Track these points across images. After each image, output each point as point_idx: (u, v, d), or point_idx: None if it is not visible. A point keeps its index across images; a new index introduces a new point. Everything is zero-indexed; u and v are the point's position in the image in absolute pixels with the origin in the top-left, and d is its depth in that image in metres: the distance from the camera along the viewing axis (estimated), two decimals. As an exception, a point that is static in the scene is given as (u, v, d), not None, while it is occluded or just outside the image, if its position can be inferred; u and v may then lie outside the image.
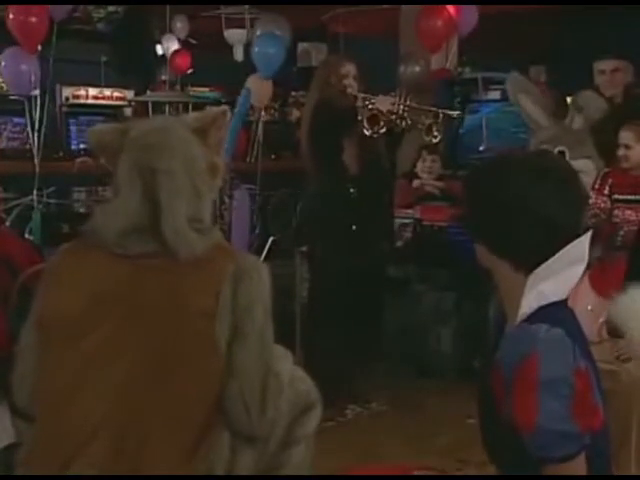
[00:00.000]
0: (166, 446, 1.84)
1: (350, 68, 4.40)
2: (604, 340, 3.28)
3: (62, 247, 2.02)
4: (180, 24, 8.01)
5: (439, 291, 4.96)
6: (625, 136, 4.06)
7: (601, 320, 3.47)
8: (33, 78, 5.41)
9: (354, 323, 4.27)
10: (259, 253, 5.47)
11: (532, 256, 1.70)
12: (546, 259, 1.69)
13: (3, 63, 5.56)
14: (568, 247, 1.69)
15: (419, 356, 4.91)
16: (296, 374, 2.19)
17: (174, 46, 8.01)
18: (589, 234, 1.74)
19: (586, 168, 4.13)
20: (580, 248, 1.72)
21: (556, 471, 1.62)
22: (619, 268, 3.81)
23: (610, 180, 4.13)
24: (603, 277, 3.95)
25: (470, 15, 5.89)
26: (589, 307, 3.92)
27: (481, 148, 5.83)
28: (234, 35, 7.69)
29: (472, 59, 6.24)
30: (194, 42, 8.00)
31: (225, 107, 2.13)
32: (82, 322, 1.88)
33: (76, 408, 1.85)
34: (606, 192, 4.10)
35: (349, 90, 4.33)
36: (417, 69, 5.96)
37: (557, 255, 1.69)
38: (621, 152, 4.08)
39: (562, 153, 3.98)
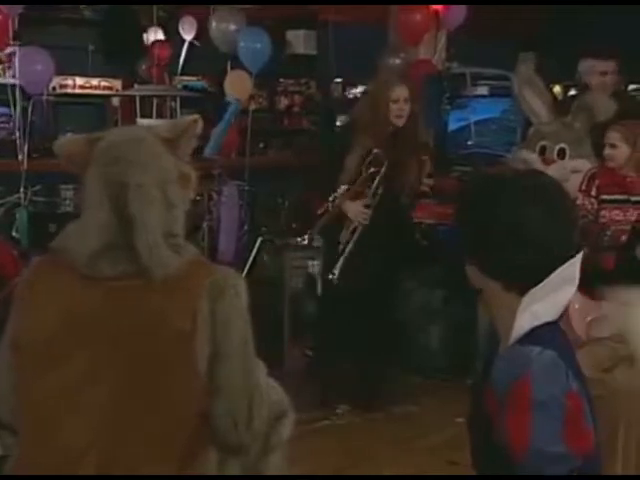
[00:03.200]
0: (152, 469, 1.84)
1: (401, 92, 4.40)
2: (592, 342, 3.30)
3: (34, 262, 1.98)
4: (188, 26, 7.91)
5: (429, 289, 4.97)
6: (611, 136, 4.07)
7: (588, 319, 3.50)
8: (48, 77, 5.41)
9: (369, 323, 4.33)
10: (248, 249, 5.46)
11: (524, 277, 1.70)
12: (538, 280, 1.69)
13: (17, 63, 5.52)
14: (561, 268, 1.69)
15: (408, 354, 4.92)
16: (269, 383, 2.21)
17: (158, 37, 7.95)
18: (580, 255, 1.75)
19: (583, 168, 4.13)
20: (572, 269, 1.72)
21: None
22: (607, 269, 3.83)
23: (597, 181, 4.14)
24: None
25: (458, 10, 5.89)
26: (576, 306, 3.95)
27: (469, 142, 5.82)
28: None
29: (460, 54, 6.22)
30: (197, 44, 7.93)
31: (196, 116, 2.08)
32: (57, 347, 1.85)
33: (60, 434, 1.84)
34: (593, 193, 4.11)
35: (397, 116, 4.36)
36: (398, 61, 5.98)
37: (551, 276, 1.69)
38: (607, 152, 4.09)
39: (563, 150, 3.97)
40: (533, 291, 1.69)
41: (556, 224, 1.70)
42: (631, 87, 5.50)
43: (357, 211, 4.30)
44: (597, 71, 4.75)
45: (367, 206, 4.30)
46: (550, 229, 1.69)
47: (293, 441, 2.22)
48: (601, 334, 3.28)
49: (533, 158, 3.93)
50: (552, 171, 3.79)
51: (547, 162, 3.91)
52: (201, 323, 1.83)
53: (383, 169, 4.29)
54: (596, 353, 3.16)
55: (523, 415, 1.61)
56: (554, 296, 1.71)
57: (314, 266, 5.80)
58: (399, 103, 4.36)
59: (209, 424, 1.90)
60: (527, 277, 1.69)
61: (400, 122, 4.37)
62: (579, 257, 1.73)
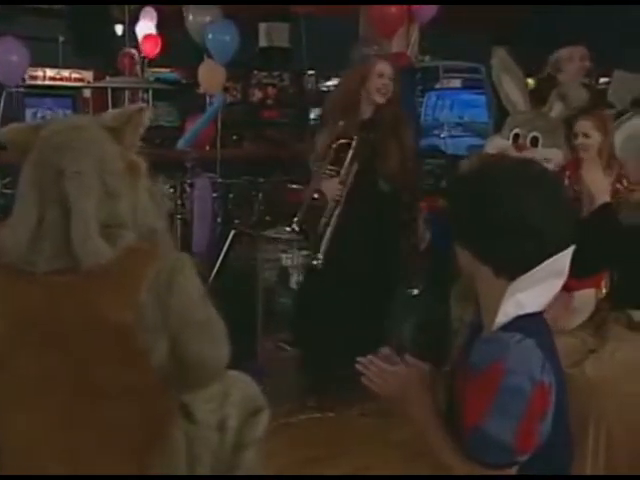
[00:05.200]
0: (108, 462, 1.82)
1: (386, 68, 4.29)
2: (562, 334, 3.31)
3: None
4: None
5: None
6: (584, 124, 4.06)
7: (559, 311, 3.51)
8: (23, 69, 5.34)
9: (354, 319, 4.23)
10: (221, 242, 5.44)
11: (516, 264, 1.71)
12: (529, 268, 1.70)
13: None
14: (552, 260, 1.70)
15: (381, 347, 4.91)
16: (243, 378, 2.20)
17: (147, 30, 7.87)
18: (571, 249, 1.75)
19: (555, 157, 4.13)
20: (562, 262, 1.73)
21: (481, 473, 1.65)
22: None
23: (567, 172, 4.14)
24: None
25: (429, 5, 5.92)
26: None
27: (443, 135, 5.84)
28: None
29: (433, 47, 6.24)
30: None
31: (143, 105, 2.07)
32: (5, 348, 1.82)
33: (13, 434, 1.82)
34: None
35: (379, 91, 4.23)
36: (371, 53, 5.98)
37: (540, 267, 1.70)
38: (580, 141, 4.08)
39: (536, 139, 3.97)
40: (520, 279, 1.70)
41: (554, 215, 1.71)
42: (601, 80, 5.54)
43: (332, 187, 4.15)
44: (576, 57, 4.79)
45: (342, 182, 4.15)
46: (548, 219, 1.70)
47: (267, 435, 2.22)
48: (571, 326, 3.30)
49: (506, 145, 3.92)
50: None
51: (519, 149, 3.91)
52: (147, 314, 1.79)
53: (354, 142, 4.14)
54: (566, 345, 3.18)
55: (486, 397, 1.62)
56: (541, 287, 1.72)
57: (287, 259, 5.80)
58: (383, 78, 4.24)
59: (171, 413, 1.89)
60: (519, 265, 1.71)
61: (382, 99, 4.23)
62: (570, 251, 1.74)
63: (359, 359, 1.84)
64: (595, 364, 3.05)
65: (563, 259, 1.72)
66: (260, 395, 2.22)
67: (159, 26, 7.78)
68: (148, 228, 1.94)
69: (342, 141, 4.16)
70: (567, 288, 3.35)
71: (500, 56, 4.12)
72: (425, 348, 4.67)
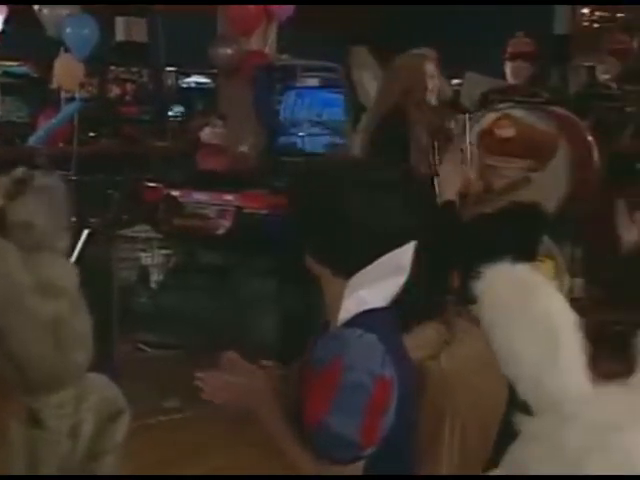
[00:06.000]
0: None
1: (433, 67, 4.06)
2: (420, 328, 3.38)
3: None
4: None
5: (260, 278, 4.98)
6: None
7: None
8: None
9: None
10: (74, 240, 5.29)
11: (350, 262, 1.73)
12: (365, 265, 1.72)
13: None
14: (388, 256, 1.72)
15: (240, 345, 4.91)
16: (101, 380, 2.16)
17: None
18: (412, 245, 1.79)
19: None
20: (403, 257, 1.75)
21: (330, 471, 1.66)
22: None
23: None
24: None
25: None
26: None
27: (301, 134, 5.89)
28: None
29: (291, 45, 6.28)
30: None
31: None
32: None
33: None
34: None
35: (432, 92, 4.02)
36: (229, 51, 5.97)
37: (376, 263, 1.72)
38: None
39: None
40: (357, 276, 1.72)
41: (385, 211, 1.72)
42: (454, 81, 5.73)
43: None
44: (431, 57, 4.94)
45: None
46: (378, 216, 1.71)
47: (126, 437, 2.18)
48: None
49: None
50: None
51: None
52: None
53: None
54: (423, 336, 3.25)
55: (328, 393, 1.63)
56: (383, 283, 1.74)
57: (147, 258, 5.71)
58: (434, 79, 4.08)
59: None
60: (354, 262, 1.72)
61: (434, 100, 4.08)
62: (410, 246, 1.77)
63: (197, 374, 1.80)
64: (449, 357, 3.12)
65: (403, 254, 1.75)
66: (120, 397, 2.17)
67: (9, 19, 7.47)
68: None
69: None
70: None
71: (360, 55, 4.18)
72: (285, 345, 4.72)
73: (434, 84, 4.13)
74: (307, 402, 1.67)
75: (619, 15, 5.24)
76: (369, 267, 1.72)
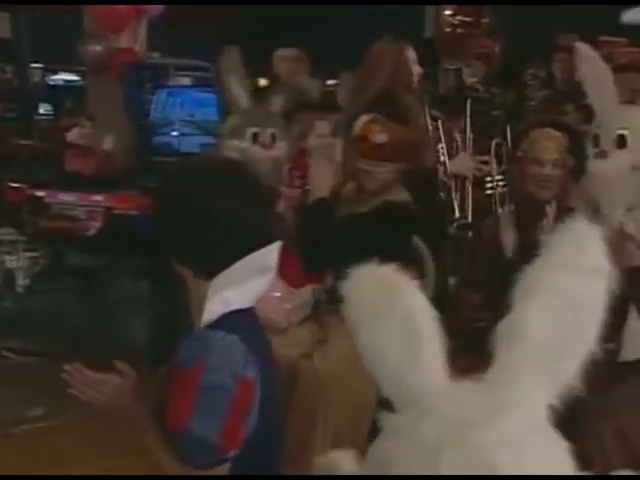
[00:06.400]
0: None
1: (412, 53, 4.05)
2: (294, 327, 3.39)
3: None
4: None
5: (130, 280, 4.89)
6: (323, 125, 4.17)
7: (288, 306, 3.60)
8: None
9: None
10: None
11: (212, 263, 1.71)
12: (226, 266, 1.70)
13: None
14: (251, 256, 1.71)
15: (111, 347, 4.81)
16: None
17: None
18: (278, 244, 1.78)
19: (282, 153, 4.20)
20: (267, 257, 1.74)
21: (198, 473, 1.64)
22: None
23: (296, 173, 4.25)
24: (290, 266, 4.09)
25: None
26: (277, 294, 4.05)
27: (174, 133, 5.82)
28: None
29: (162, 44, 6.19)
30: None
31: None
32: None
33: None
34: (298, 184, 4.20)
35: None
36: (98, 48, 5.84)
37: (238, 263, 1.71)
38: (317, 142, 4.15)
39: (256, 135, 4.02)
40: (219, 277, 1.70)
41: (249, 212, 1.71)
42: (330, 82, 5.76)
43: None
44: (290, 57, 4.98)
45: None
46: (241, 216, 1.70)
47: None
48: (294, 321, 3.38)
49: (247, 146, 3.95)
50: (272, 155, 3.85)
51: (267, 148, 3.95)
52: None
53: None
54: (296, 336, 3.26)
55: (188, 397, 1.61)
56: (247, 283, 1.72)
57: (12, 261, 5.50)
58: (416, 66, 4.11)
59: None
60: (213, 263, 1.70)
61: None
62: (275, 246, 1.76)
63: (66, 367, 1.75)
64: (322, 356, 3.14)
65: (267, 255, 1.74)
66: None
67: None
68: None
69: None
70: (295, 284, 3.48)
71: (228, 55, 4.16)
72: (155, 348, 4.64)
73: (417, 70, 4.21)
74: (169, 406, 1.64)
75: (483, 21, 5.40)
76: (232, 268, 1.70)
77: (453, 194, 4.30)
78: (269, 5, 7.03)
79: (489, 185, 4.38)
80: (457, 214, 4.29)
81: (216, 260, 1.70)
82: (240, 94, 4.03)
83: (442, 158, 4.25)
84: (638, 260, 2.73)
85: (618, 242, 2.66)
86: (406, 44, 4.19)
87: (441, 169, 4.26)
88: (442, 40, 5.13)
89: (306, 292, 3.46)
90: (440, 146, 4.24)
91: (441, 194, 4.26)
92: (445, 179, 4.28)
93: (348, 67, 5.54)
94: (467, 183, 4.33)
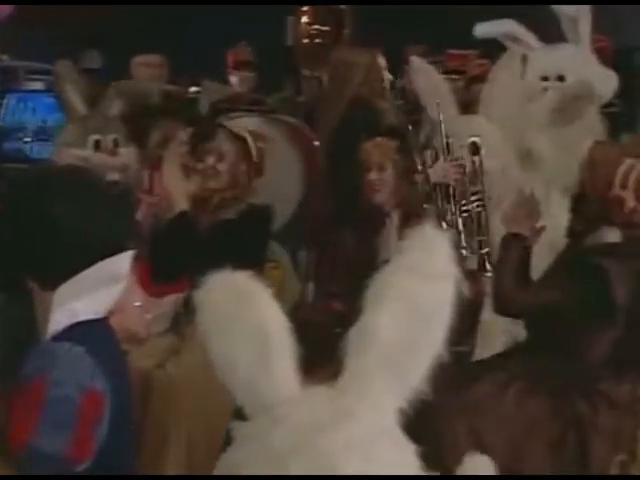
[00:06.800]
0: None
1: (383, 60, 4.15)
2: (154, 338, 3.34)
3: None
4: None
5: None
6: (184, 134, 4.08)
7: (149, 316, 3.53)
8: None
9: None
10: None
11: (53, 273, 1.65)
12: (70, 276, 1.65)
13: None
14: (98, 265, 1.67)
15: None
16: None
17: None
18: (129, 253, 1.73)
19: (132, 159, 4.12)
20: (116, 267, 1.70)
21: None
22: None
23: (158, 179, 4.16)
24: (149, 276, 4.01)
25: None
26: (137, 303, 3.97)
27: (27, 139, 5.62)
28: None
29: (12, 46, 5.97)
30: None
31: None
32: None
33: None
34: (159, 190, 4.10)
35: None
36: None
37: (84, 272, 1.66)
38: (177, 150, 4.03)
39: (98, 142, 3.93)
40: (63, 287, 1.65)
41: (86, 218, 1.67)
42: (192, 89, 5.71)
43: None
44: (147, 64, 4.93)
45: None
46: (76, 223, 1.65)
47: None
48: (153, 331, 3.33)
49: (89, 154, 3.85)
50: (119, 161, 3.78)
51: (111, 154, 3.86)
52: None
53: None
54: (153, 346, 3.21)
55: (32, 412, 1.56)
56: (95, 293, 1.68)
57: None
58: (387, 73, 4.23)
59: None
60: (55, 273, 1.65)
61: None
62: (127, 254, 1.72)
63: None
64: (176, 365, 3.12)
65: (117, 263, 1.70)
66: None
67: None
68: None
69: None
70: (154, 294, 3.42)
71: (61, 65, 4.08)
72: (4, 362, 4.45)
73: (387, 77, 4.31)
74: (13, 421, 1.58)
75: (345, 31, 5.49)
76: (77, 277, 1.65)
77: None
78: (124, 5, 6.89)
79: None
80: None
81: (59, 270, 1.65)
82: (76, 101, 3.95)
83: None
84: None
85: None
86: (377, 51, 4.32)
87: None
88: (300, 49, 5.19)
89: (168, 302, 3.41)
90: None
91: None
92: None
93: (209, 75, 5.53)
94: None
